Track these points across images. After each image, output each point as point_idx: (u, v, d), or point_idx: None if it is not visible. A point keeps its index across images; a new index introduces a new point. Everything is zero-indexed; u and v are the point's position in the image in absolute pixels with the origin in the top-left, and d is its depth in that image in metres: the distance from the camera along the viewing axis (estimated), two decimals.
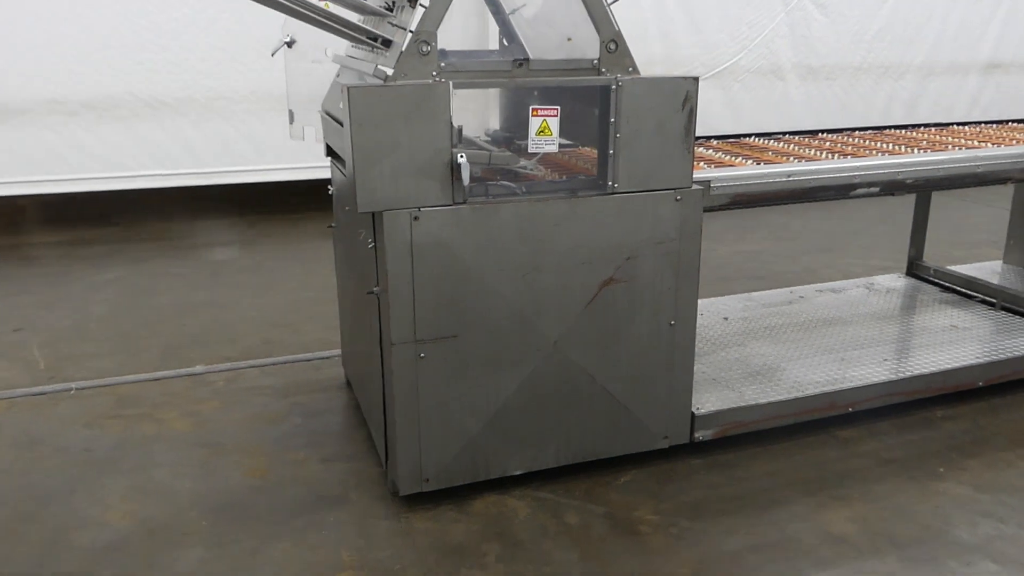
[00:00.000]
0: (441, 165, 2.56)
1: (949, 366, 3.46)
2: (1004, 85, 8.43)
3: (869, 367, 3.47)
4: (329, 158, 3.49)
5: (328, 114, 3.30)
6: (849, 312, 4.11)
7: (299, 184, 6.67)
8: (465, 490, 2.90)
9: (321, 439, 3.36)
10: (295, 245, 6.17)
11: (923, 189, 3.37)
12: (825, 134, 4.10)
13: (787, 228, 6.69)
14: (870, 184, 3.26)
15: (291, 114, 3.79)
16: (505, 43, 3.26)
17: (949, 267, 4.60)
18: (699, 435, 3.10)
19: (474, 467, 2.87)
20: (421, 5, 2.56)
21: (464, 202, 2.60)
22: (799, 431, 3.30)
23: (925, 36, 8.02)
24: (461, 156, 2.54)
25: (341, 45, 3.69)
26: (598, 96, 2.72)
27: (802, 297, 4.34)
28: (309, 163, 6.56)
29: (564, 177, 2.85)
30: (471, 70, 2.63)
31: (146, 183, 6.31)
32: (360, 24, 2.78)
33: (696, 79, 2.77)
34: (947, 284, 4.44)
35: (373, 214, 2.63)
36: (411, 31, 2.57)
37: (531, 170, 2.80)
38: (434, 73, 2.57)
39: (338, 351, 4.08)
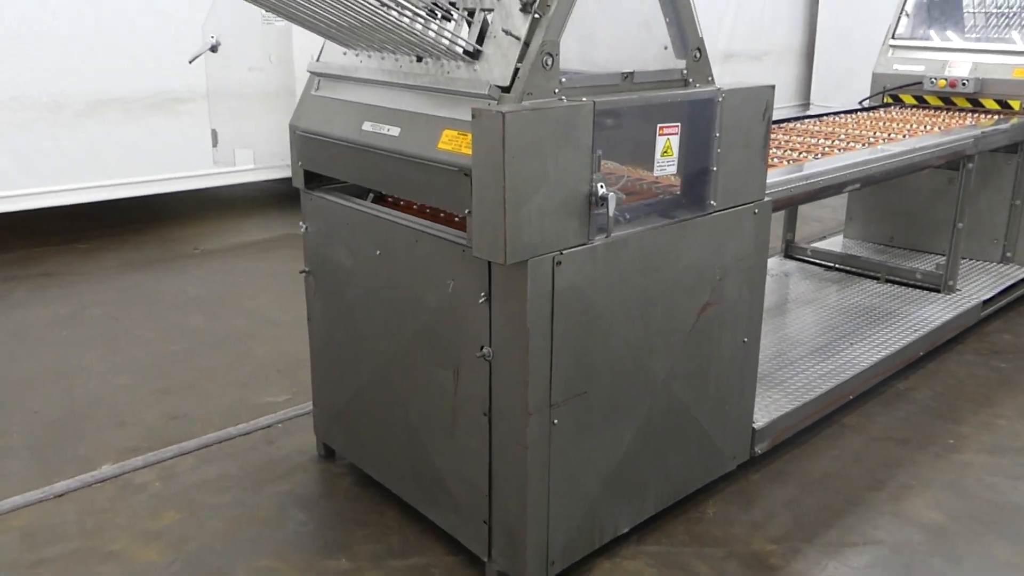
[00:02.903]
0: (580, 198, 2.16)
1: (904, 343, 3.76)
2: (738, 72, 9.44)
3: (849, 353, 3.65)
4: (299, 188, 2.82)
5: (316, 134, 2.66)
6: (773, 300, 4.30)
7: (82, 208, 5.44)
8: (575, 563, 2.54)
9: (347, 536, 2.74)
10: (109, 284, 4.97)
11: (894, 177, 3.61)
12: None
13: None
14: (866, 178, 3.41)
15: (214, 135, 3.01)
16: None
17: (816, 245, 5.03)
18: (757, 449, 3.03)
19: (591, 535, 2.52)
20: (534, 13, 2.12)
21: (606, 238, 2.23)
22: (812, 426, 3.38)
23: None
24: (602, 185, 2.17)
25: (284, 50, 3.01)
26: (688, 110, 2.48)
27: None
28: (90, 183, 5.40)
29: (635, 201, 2.53)
30: (588, 85, 2.24)
31: None
32: (425, 32, 2.23)
33: (773, 87, 2.65)
34: (826, 263, 4.83)
35: (490, 263, 2.16)
36: (524, 40, 2.13)
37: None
38: (556, 90, 2.16)
39: (282, 414, 3.38)
